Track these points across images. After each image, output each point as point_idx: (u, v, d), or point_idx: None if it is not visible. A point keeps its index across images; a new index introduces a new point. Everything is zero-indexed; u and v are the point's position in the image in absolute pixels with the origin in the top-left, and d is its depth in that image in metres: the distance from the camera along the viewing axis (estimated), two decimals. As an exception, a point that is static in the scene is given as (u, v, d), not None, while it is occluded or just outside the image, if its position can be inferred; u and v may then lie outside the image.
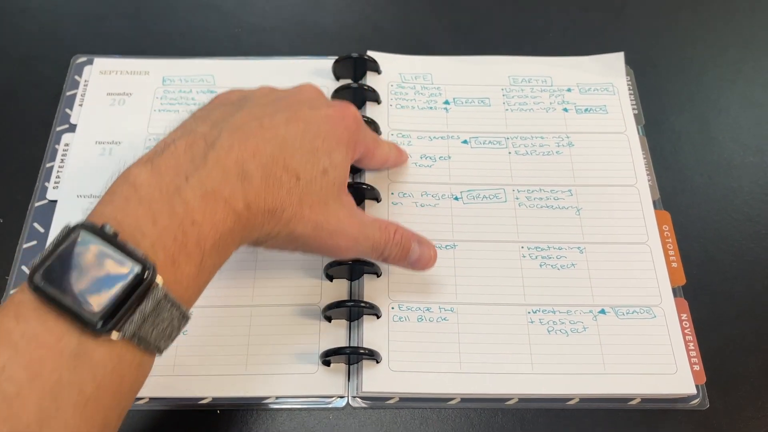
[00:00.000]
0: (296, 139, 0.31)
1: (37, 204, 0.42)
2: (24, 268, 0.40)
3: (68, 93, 0.47)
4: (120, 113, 0.46)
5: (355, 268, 0.39)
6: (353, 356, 0.37)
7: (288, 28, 0.51)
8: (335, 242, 0.33)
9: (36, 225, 0.41)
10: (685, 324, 0.39)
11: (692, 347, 0.38)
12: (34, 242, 0.41)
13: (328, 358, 0.37)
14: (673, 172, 0.45)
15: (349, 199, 0.35)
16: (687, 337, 0.38)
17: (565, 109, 0.46)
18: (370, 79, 0.47)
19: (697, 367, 0.37)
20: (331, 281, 0.40)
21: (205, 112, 0.32)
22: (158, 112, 0.46)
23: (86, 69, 0.48)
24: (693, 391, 0.36)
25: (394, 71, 0.47)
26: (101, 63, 0.48)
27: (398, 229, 0.36)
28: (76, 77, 0.47)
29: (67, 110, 0.46)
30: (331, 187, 0.32)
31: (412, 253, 0.36)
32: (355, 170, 0.43)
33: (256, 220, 0.30)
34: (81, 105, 0.46)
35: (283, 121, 0.31)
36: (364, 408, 0.37)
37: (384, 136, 0.44)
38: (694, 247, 0.42)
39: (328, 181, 0.32)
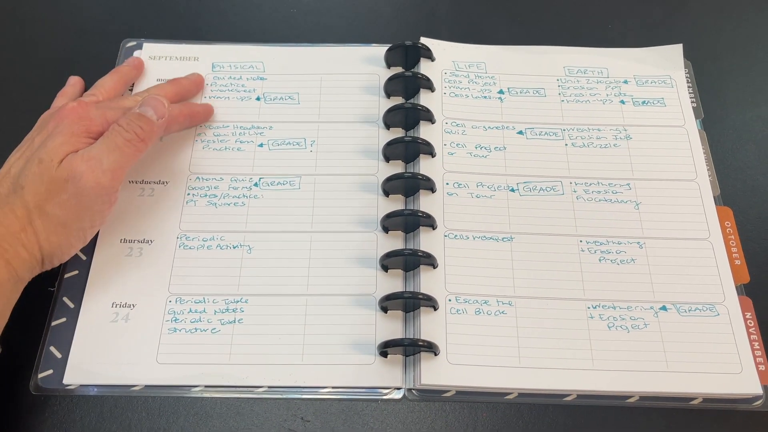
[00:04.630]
0: None
1: (90, 188, 0.42)
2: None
3: (119, 77, 0.46)
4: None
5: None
6: (411, 348, 0.36)
7: (343, 11, 0.51)
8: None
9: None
10: (750, 323, 0.38)
11: (757, 347, 0.37)
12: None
13: (386, 349, 0.36)
14: (733, 170, 0.44)
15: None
16: (752, 336, 0.37)
17: (622, 101, 0.45)
18: (424, 67, 0.46)
19: (762, 367, 0.36)
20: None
21: None
22: (209, 99, 0.46)
23: (136, 53, 0.47)
24: (759, 391, 0.36)
25: (447, 59, 0.46)
26: (150, 48, 0.48)
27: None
28: (127, 61, 0.47)
29: (119, 94, 0.46)
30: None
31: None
32: (410, 159, 0.43)
33: None
34: (131, 90, 0.46)
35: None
36: (418, 400, 0.36)
37: (438, 125, 0.44)
38: (757, 245, 0.41)
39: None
